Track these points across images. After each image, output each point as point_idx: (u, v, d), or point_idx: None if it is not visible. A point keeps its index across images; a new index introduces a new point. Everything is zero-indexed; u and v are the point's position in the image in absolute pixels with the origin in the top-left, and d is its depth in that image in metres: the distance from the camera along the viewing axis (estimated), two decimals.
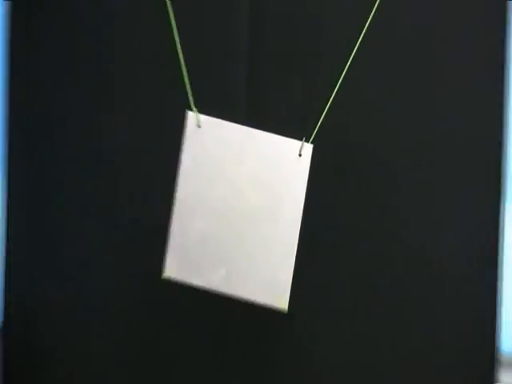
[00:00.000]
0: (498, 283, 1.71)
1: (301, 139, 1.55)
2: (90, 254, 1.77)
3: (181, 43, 1.62)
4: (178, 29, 1.64)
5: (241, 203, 1.58)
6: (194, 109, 1.52)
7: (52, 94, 1.79)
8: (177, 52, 1.59)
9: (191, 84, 1.59)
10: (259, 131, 1.55)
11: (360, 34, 1.62)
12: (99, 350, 1.79)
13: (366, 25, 1.62)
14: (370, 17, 1.64)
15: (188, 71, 1.61)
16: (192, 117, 1.52)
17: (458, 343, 1.75)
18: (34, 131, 1.85)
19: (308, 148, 1.53)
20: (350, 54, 1.61)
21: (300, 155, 1.55)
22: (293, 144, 1.55)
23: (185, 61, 1.60)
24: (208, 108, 1.56)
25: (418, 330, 1.71)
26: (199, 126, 1.52)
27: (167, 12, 1.61)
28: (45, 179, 1.82)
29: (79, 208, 1.76)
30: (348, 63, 1.55)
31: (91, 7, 1.73)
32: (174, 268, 1.54)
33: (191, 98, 1.54)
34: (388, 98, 1.69)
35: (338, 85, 1.54)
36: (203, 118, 1.53)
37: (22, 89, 1.85)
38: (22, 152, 1.85)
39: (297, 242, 1.57)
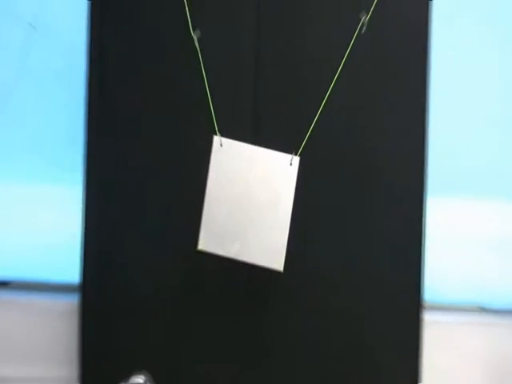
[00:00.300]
0: (422, 249, 2.43)
1: (291, 153, 2.34)
2: (148, 231, 2.53)
3: (208, 86, 2.42)
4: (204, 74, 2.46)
5: (251, 196, 2.31)
6: (218, 134, 2.28)
7: (123, 107, 2.59)
8: (206, 94, 2.36)
9: (216, 116, 2.37)
10: (262, 148, 2.30)
11: (336, 73, 2.37)
12: (152, 298, 2.55)
13: (340, 67, 2.36)
14: (343, 60, 2.39)
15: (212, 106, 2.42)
16: (216, 139, 2.28)
17: (393, 292, 2.49)
18: (109, 136, 2.65)
19: (296, 159, 2.27)
20: (326, 94, 2.38)
21: (291, 164, 2.29)
22: (285, 157, 2.31)
23: (211, 98, 2.40)
24: (226, 133, 2.38)
25: (367, 281, 2.45)
26: (221, 146, 2.28)
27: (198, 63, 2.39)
28: (118, 173, 2.59)
29: (142, 197, 2.54)
30: (321, 107, 2.31)
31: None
32: (205, 242, 2.29)
33: (216, 126, 2.29)
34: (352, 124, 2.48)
35: (313, 121, 2.29)
36: (224, 140, 2.28)
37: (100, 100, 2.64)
38: (99, 148, 2.63)
39: (289, 223, 2.25)
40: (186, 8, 2.41)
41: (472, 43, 2.89)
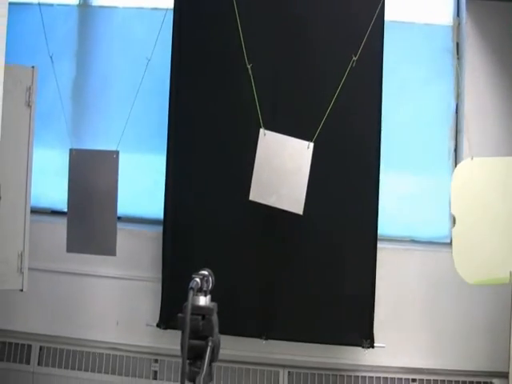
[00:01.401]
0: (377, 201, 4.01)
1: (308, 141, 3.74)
2: (213, 185, 4.11)
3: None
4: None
5: (282, 166, 3.76)
6: (262, 127, 3.72)
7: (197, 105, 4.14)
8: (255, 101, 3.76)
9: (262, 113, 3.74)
10: (290, 137, 3.76)
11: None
12: (211, 229, 4.09)
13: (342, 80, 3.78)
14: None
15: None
16: (261, 131, 3.76)
17: (354, 229, 4.08)
18: (186, 129, 4.14)
19: (311, 145, 3.76)
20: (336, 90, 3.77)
21: (308, 148, 3.74)
22: (304, 143, 3.76)
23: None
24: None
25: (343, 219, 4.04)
26: (264, 135, 3.70)
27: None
28: (192, 156, 4.05)
29: (210, 172, 4.11)
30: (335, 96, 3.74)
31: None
32: (254, 195, 3.77)
33: (261, 121, 3.72)
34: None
35: (327, 112, 3.72)
36: (266, 131, 3.78)
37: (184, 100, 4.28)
38: (181, 139, 4.11)
39: (306, 185, 3.70)
40: (243, 44, 3.93)
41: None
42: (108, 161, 4.08)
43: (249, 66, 3.97)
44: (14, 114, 3.52)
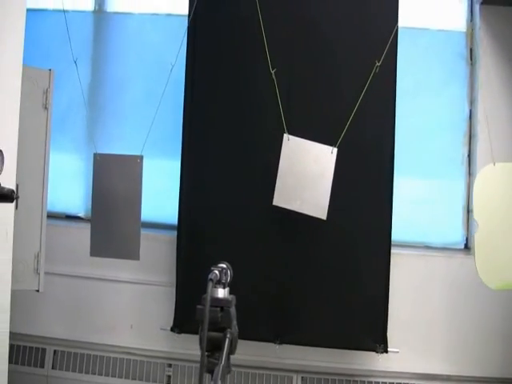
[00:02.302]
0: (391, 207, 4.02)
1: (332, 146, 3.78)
2: (230, 195, 4.10)
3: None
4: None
5: (306, 171, 3.81)
6: (286, 132, 3.75)
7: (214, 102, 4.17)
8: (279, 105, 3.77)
9: (285, 120, 3.77)
10: (313, 142, 3.80)
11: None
12: (232, 239, 4.10)
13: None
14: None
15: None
16: (285, 136, 3.79)
17: (369, 234, 4.10)
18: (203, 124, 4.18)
19: (335, 150, 3.80)
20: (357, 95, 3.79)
21: (332, 153, 3.76)
22: (328, 148, 3.80)
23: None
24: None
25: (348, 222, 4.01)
26: (288, 140, 3.73)
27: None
28: (207, 160, 4.09)
29: (225, 169, 4.11)
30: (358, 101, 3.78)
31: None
32: (278, 199, 3.77)
33: (285, 127, 3.75)
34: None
35: (350, 117, 3.73)
36: (290, 136, 3.80)
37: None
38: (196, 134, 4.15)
39: (330, 190, 3.72)
40: (266, 49, 3.99)
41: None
42: (132, 165, 4.11)
43: (272, 72, 4.00)
44: (31, 116, 3.57)
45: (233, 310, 1.88)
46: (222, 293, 1.89)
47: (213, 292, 1.84)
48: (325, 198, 3.85)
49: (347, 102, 3.98)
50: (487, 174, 3.63)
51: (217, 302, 1.85)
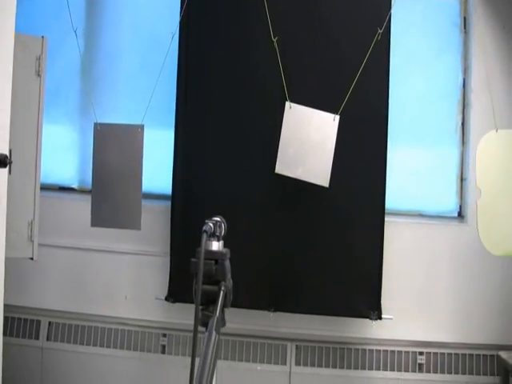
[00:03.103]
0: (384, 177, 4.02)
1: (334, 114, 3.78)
2: (225, 164, 4.11)
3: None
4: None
5: (307, 138, 3.83)
6: (288, 100, 3.75)
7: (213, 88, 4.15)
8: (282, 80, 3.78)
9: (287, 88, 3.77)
10: (315, 109, 3.79)
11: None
12: (227, 208, 4.06)
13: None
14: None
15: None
16: (287, 104, 3.80)
17: (363, 202, 4.12)
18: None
19: (337, 117, 3.80)
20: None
21: (334, 120, 3.77)
22: (330, 115, 3.81)
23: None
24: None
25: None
26: (290, 108, 3.75)
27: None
28: (201, 129, 4.13)
29: (224, 141, 4.10)
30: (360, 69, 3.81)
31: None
32: (280, 167, 3.79)
33: (287, 95, 3.76)
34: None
35: (352, 85, 3.78)
36: (292, 104, 3.80)
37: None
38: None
39: (332, 156, 3.75)
40: (268, 17, 3.98)
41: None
42: (133, 135, 4.10)
43: (274, 40, 3.98)
44: (24, 83, 3.55)
45: (227, 263, 1.88)
46: (216, 245, 1.89)
47: (207, 245, 1.84)
48: (327, 165, 3.85)
49: (346, 69, 3.99)
50: (489, 141, 3.64)
51: (211, 254, 1.85)
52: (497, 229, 3.61)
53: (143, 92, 4.17)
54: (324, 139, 3.87)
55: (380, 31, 3.92)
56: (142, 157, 4.08)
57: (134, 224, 4.10)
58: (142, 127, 4.08)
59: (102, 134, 4.16)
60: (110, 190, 4.14)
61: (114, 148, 4.13)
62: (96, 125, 4.16)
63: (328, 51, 4.13)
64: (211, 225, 1.84)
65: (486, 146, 3.65)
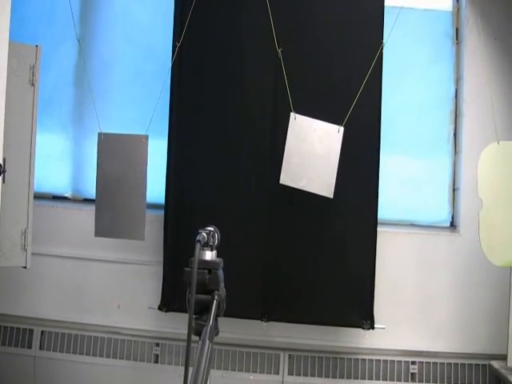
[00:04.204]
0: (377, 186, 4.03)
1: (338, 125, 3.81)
2: (218, 174, 4.15)
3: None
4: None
5: (310, 151, 3.85)
6: (293, 111, 3.77)
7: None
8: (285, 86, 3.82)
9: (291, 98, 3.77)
10: (320, 121, 3.83)
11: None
12: (219, 218, 4.07)
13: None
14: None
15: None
16: (292, 115, 3.82)
17: (355, 212, 4.14)
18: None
19: (341, 128, 3.83)
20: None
21: (338, 131, 3.80)
22: (334, 127, 3.83)
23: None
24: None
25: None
26: (295, 119, 3.77)
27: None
28: (195, 138, 4.17)
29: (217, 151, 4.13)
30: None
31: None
32: (284, 178, 3.83)
33: (291, 106, 3.77)
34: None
35: (356, 97, 3.80)
36: (297, 115, 3.84)
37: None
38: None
39: (336, 168, 3.78)
40: (273, 27, 3.99)
41: None
42: (137, 145, 4.11)
43: (279, 50, 4.01)
44: (18, 93, 3.55)
45: (220, 273, 1.88)
46: (209, 255, 1.90)
47: (200, 254, 1.85)
48: (331, 176, 3.88)
49: (339, 79, 4.10)
50: (491, 153, 3.67)
51: (204, 264, 1.86)
52: (498, 239, 3.63)
53: (135, 101, 4.19)
54: (328, 150, 3.90)
55: (384, 43, 3.94)
56: (146, 167, 4.10)
57: (137, 235, 4.12)
58: (146, 137, 4.09)
59: (106, 144, 4.15)
60: (113, 199, 4.14)
61: (117, 158, 4.14)
62: (100, 134, 4.17)
63: (323, 61, 4.16)
64: (204, 234, 1.85)
65: (488, 157, 3.67)
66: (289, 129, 3.92)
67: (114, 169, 4.12)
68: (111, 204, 4.14)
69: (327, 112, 3.94)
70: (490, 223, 3.64)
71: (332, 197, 3.90)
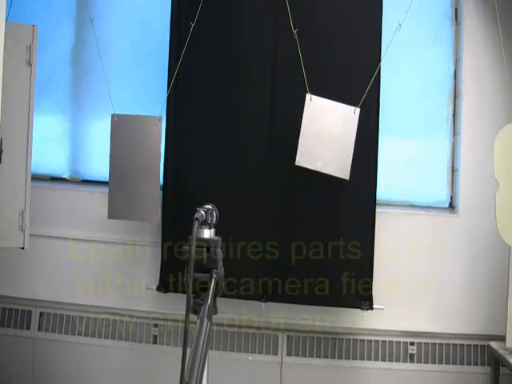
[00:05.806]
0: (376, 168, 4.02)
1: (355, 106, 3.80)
2: (218, 155, 4.13)
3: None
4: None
5: (328, 131, 3.81)
6: (309, 92, 3.74)
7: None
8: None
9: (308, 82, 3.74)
10: (336, 102, 3.81)
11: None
12: (218, 199, 4.03)
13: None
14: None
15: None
16: (308, 96, 3.79)
17: (354, 193, 4.10)
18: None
19: (357, 110, 3.81)
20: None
21: (354, 113, 3.78)
22: (350, 108, 3.82)
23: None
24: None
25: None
26: (311, 100, 3.75)
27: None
28: (195, 118, 4.15)
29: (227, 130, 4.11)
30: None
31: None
32: (300, 160, 3.80)
33: (308, 88, 3.73)
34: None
35: (369, 85, 3.76)
36: (313, 96, 3.82)
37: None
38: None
39: (352, 149, 3.78)
40: (288, 8, 3.95)
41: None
42: (150, 126, 4.11)
43: (294, 31, 3.96)
44: (14, 73, 3.53)
45: (219, 251, 1.88)
46: (208, 233, 1.89)
47: (199, 232, 1.85)
48: (347, 157, 3.86)
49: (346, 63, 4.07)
50: (507, 134, 3.65)
51: (203, 242, 1.85)
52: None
53: (133, 82, 4.16)
54: (345, 132, 3.87)
55: (400, 23, 3.90)
56: (160, 148, 4.11)
57: (151, 217, 4.15)
58: (160, 119, 4.08)
59: (119, 126, 4.14)
60: (127, 181, 4.13)
61: (131, 139, 4.12)
62: (113, 116, 4.15)
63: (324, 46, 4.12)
64: (203, 212, 1.85)
65: (504, 138, 3.66)
66: (304, 110, 3.89)
67: (128, 150, 4.11)
68: (124, 186, 4.13)
69: (336, 94, 3.91)
70: (505, 204, 3.63)
71: (348, 178, 3.87)
